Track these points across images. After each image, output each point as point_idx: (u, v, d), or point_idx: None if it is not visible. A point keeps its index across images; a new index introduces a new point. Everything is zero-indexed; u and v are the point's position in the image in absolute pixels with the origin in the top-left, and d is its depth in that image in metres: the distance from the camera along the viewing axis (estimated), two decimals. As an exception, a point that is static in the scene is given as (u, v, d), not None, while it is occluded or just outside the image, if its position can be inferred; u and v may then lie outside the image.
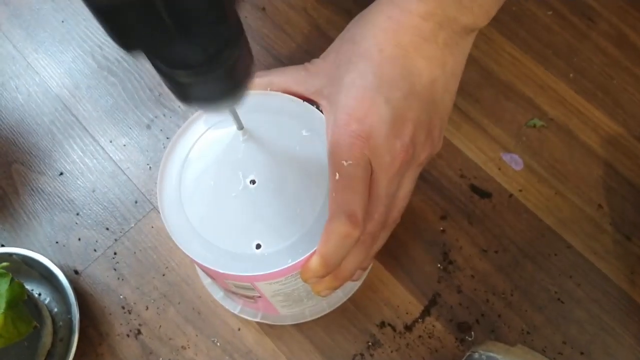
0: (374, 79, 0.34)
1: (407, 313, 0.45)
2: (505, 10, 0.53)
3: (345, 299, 0.45)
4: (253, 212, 0.35)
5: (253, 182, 0.36)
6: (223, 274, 0.34)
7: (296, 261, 0.33)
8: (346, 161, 0.33)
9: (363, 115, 0.33)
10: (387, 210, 0.36)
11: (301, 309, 0.43)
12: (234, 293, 0.40)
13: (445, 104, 0.37)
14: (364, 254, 0.36)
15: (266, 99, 0.38)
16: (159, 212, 0.50)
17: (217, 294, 0.45)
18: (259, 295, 0.38)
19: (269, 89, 0.39)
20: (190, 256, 0.35)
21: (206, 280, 0.46)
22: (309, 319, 0.44)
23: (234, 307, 0.45)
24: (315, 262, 0.33)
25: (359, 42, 0.36)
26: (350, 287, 0.45)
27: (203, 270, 0.38)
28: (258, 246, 0.35)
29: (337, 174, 0.33)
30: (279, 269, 0.33)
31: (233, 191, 0.36)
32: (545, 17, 0.53)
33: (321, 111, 0.37)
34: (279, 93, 0.38)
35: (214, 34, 0.25)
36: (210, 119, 0.38)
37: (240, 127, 0.36)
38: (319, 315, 0.44)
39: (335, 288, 0.37)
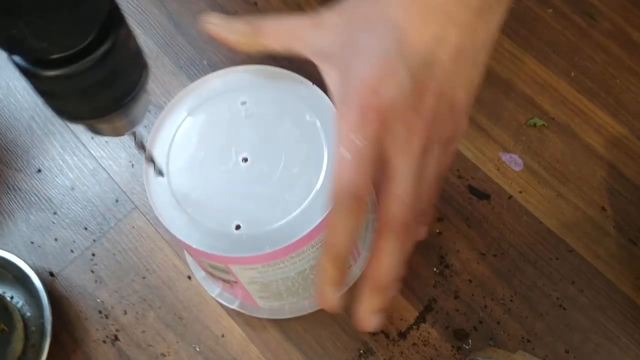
0: (395, 45, 0.30)
1: (401, 319, 0.42)
2: (504, 8, 0.52)
3: None
4: (239, 191, 0.33)
5: (245, 159, 0.34)
6: (196, 250, 0.32)
7: (274, 249, 0.31)
8: (356, 137, 0.29)
9: (380, 84, 0.30)
10: (416, 194, 0.31)
11: (281, 304, 0.41)
12: (211, 274, 0.38)
13: (472, 79, 0.33)
14: (400, 248, 0.31)
15: (274, 76, 0.36)
16: (141, 212, 0.47)
17: (199, 274, 0.43)
18: (234, 280, 0.36)
19: (255, 38, 0.33)
20: (165, 225, 0.33)
21: (190, 258, 0.44)
22: (288, 315, 0.42)
23: (213, 289, 0.43)
24: (324, 254, 0.30)
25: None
26: None
27: (180, 245, 0.36)
28: (238, 227, 0.33)
29: (345, 150, 0.30)
30: (254, 254, 0.31)
31: (223, 166, 0.34)
32: (545, 15, 0.51)
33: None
34: (290, 72, 0.36)
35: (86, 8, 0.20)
36: (214, 87, 0.36)
37: (160, 172, 0.33)
38: (299, 314, 0.42)
39: (382, 303, 0.32)
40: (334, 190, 0.30)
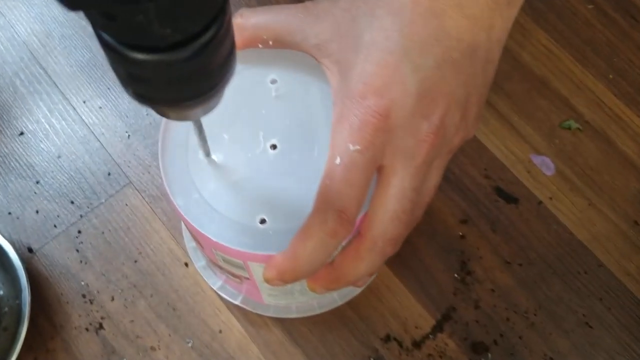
0: (401, 40, 0.27)
1: (416, 327, 0.39)
2: (543, 0, 0.48)
3: (340, 303, 0.39)
4: (266, 181, 0.30)
5: (274, 147, 0.30)
6: (214, 242, 0.28)
7: None
8: (353, 145, 0.26)
9: (383, 85, 0.26)
10: (413, 208, 0.29)
11: (288, 303, 0.38)
12: (219, 267, 0.34)
13: (487, 77, 0.30)
14: (380, 261, 0.29)
15: (310, 58, 0.32)
16: (135, 188, 0.43)
17: (199, 262, 0.39)
18: (247, 276, 0.32)
19: (251, 35, 0.30)
20: (180, 211, 0.29)
21: (190, 244, 0.40)
22: (295, 315, 0.38)
23: (215, 281, 0.39)
24: (282, 261, 0.27)
25: None
26: (348, 291, 0.39)
27: (190, 232, 0.32)
28: (262, 221, 0.29)
29: (338, 158, 0.26)
30: (281, 252, 0.27)
31: (249, 152, 0.30)
32: (585, 11, 0.48)
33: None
34: None
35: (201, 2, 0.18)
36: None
37: (207, 152, 0.30)
38: (306, 315, 0.38)
39: (333, 290, 0.31)
40: (315, 203, 0.26)
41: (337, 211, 0.26)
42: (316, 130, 0.30)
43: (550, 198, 0.42)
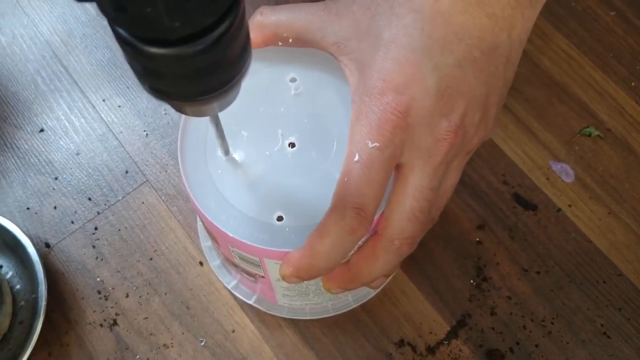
0: (422, 38, 0.26)
1: (430, 332, 0.39)
2: (563, 5, 0.48)
3: (354, 305, 0.38)
4: (283, 179, 0.30)
5: (292, 145, 0.30)
6: (232, 238, 0.28)
7: None
8: (371, 142, 0.26)
9: (403, 83, 0.26)
10: (430, 208, 0.29)
11: (302, 304, 0.37)
12: (234, 265, 0.34)
13: (506, 78, 0.29)
14: (395, 261, 0.29)
15: (329, 57, 0.32)
16: (152, 187, 0.43)
17: (214, 261, 0.39)
18: (262, 275, 0.32)
19: (271, 33, 0.30)
20: (198, 207, 0.29)
21: (206, 243, 0.40)
22: (308, 317, 0.38)
23: (229, 280, 0.39)
24: (299, 257, 0.26)
25: None
26: (363, 294, 0.39)
27: (207, 230, 0.33)
28: (280, 218, 0.29)
29: (357, 155, 0.26)
30: (297, 249, 0.27)
31: (267, 150, 0.30)
32: (607, 17, 0.47)
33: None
34: None
35: None
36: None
37: (226, 151, 0.30)
38: (319, 317, 0.38)
39: (349, 290, 0.31)
40: (333, 200, 0.26)
41: (355, 209, 0.26)
42: (335, 128, 0.30)
43: (570, 205, 0.42)
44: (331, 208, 0.26)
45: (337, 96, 0.31)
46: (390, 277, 0.39)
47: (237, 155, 0.30)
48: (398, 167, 0.27)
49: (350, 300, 0.38)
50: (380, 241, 0.28)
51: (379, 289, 0.39)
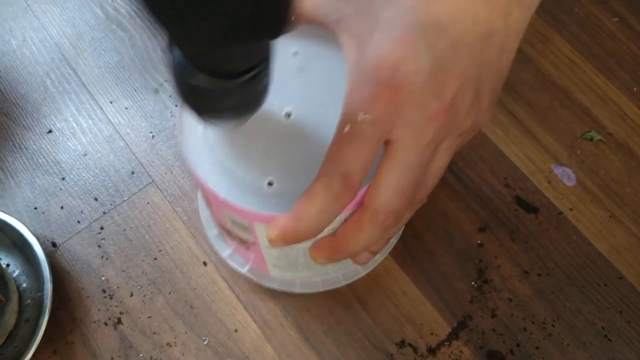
0: (419, 19, 0.27)
1: (431, 334, 0.39)
2: (566, 11, 0.48)
3: (343, 283, 0.39)
4: (277, 145, 0.31)
5: (289, 115, 0.31)
6: (223, 201, 0.29)
7: None
8: (364, 113, 0.27)
9: (398, 60, 0.27)
10: (417, 185, 0.29)
11: (292, 277, 0.38)
12: (228, 232, 0.35)
13: (501, 66, 0.30)
14: (379, 234, 0.30)
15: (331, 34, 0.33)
16: (158, 187, 0.44)
17: (211, 231, 0.40)
18: (253, 241, 0.33)
19: None
20: (194, 170, 0.30)
21: (204, 214, 0.41)
22: (298, 290, 0.39)
23: (225, 249, 0.40)
24: (285, 221, 0.27)
25: None
26: (353, 273, 0.39)
27: (204, 194, 0.34)
28: (270, 183, 0.30)
29: (348, 125, 0.27)
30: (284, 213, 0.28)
31: (263, 119, 0.31)
32: (610, 23, 0.48)
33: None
34: None
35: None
36: None
37: None
38: (310, 291, 0.39)
39: (334, 261, 0.31)
40: (322, 167, 0.27)
41: (342, 176, 0.26)
42: (331, 101, 0.31)
43: (571, 209, 0.42)
44: (319, 174, 0.27)
45: (338, 71, 0.32)
46: (379, 259, 0.39)
47: None
48: (388, 143, 0.28)
49: (339, 277, 0.39)
50: (366, 213, 0.29)
51: (369, 269, 0.39)
